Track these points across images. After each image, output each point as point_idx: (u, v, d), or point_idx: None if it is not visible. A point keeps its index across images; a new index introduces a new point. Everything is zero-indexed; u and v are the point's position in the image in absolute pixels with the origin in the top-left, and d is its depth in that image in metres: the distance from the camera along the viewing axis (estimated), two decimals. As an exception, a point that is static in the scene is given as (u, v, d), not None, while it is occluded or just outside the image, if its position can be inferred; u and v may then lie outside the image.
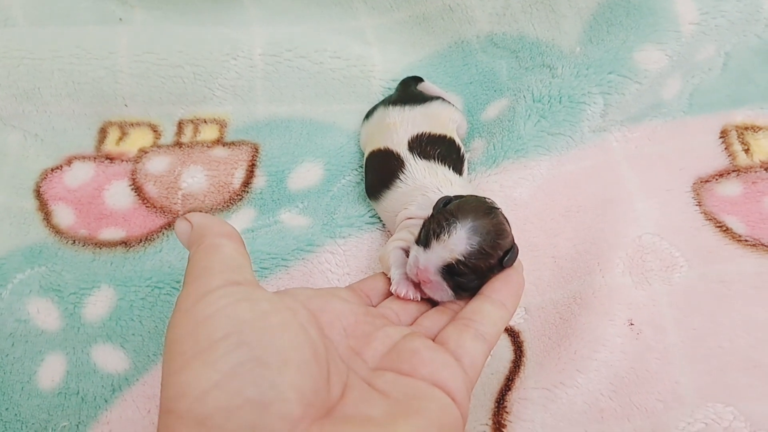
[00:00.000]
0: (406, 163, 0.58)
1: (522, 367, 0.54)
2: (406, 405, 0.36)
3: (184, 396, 0.32)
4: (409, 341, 0.42)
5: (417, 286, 0.49)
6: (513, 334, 0.57)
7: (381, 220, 0.64)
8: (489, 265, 0.47)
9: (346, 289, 0.50)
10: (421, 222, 0.50)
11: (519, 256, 0.52)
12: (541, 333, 0.56)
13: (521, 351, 0.56)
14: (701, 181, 0.64)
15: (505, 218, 0.49)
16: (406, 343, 0.42)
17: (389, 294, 0.50)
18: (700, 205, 0.63)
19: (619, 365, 0.52)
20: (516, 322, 0.57)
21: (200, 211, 0.63)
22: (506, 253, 0.47)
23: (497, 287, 0.48)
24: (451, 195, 0.51)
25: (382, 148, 0.61)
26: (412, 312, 0.49)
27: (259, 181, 0.69)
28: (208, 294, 0.36)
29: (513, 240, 0.49)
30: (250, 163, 0.71)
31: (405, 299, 0.49)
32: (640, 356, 0.53)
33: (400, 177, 0.57)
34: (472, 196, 0.51)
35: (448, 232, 0.46)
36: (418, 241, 0.48)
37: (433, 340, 0.44)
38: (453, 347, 0.42)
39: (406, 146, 0.59)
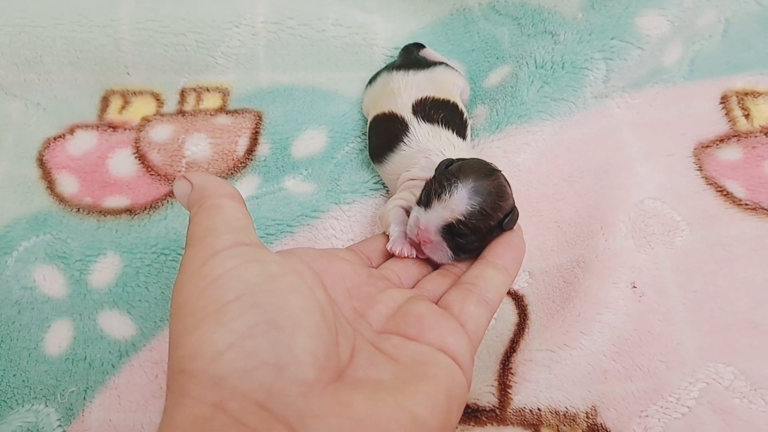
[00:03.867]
0: (410, 126, 0.57)
1: (526, 330, 0.54)
2: (415, 370, 0.35)
3: (198, 356, 0.31)
4: (414, 305, 0.42)
5: (417, 247, 0.48)
6: (517, 297, 0.56)
7: (385, 186, 0.63)
8: (489, 227, 0.46)
9: (346, 250, 0.49)
10: (422, 183, 0.49)
11: (523, 221, 0.51)
12: (545, 297, 0.55)
13: (525, 314, 0.55)
14: (702, 147, 0.63)
15: (507, 181, 0.48)
16: (410, 306, 0.41)
17: (389, 255, 0.49)
18: (701, 170, 0.62)
19: (622, 327, 0.52)
20: (520, 286, 0.57)
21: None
22: (507, 215, 0.47)
23: (499, 252, 0.47)
24: (454, 158, 0.50)
25: (386, 111, 0.60)
26: (413, 274, 0.48)
27: (263, 149, 0.68)
28: (215, 255, 0.35)
29: (514, 203, 0.48)
30: (254, 131, 0.69)
31: (400, 256, 0.48)
32: (642, 318, 0.52)
33: (404, 140, 0.56)
34: (474, 158, 0.50)
35: (449, 192, 0.45)
36: (419, 202, 0.48)
37: (437, 303, 0.43)
38: (457, 312, 0.41)
39: (410, 110, 0.58)
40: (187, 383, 0.30)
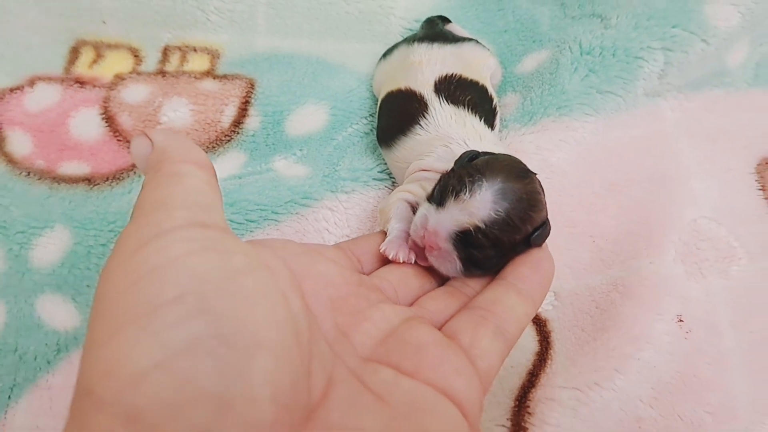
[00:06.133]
0: (429, 106, 0.54)
1: (549, 362, 0.51)
2: (408, 418, 0.31)
3: (113, 375, 0.24)
4: (413, 329, 0.37)
5: (419, 252, 0.44)
6: (539, 322, 0.54)
7: (391, 177, 0.59)
8: (513, 241, 0.42)
9: (334, 248, 0.43)
10: (437, 176, 0.46)
11: (552, 232, 0.46)
12: (573, 323, 0.53)
13: (548, 342, 0.52)
14: (766, 163, 0.61)
15: (542, 187, 0.44)
16: (408, 330, 0.37)
17: (385, 260, 0.45)
18: (764, 190, 0.60)
19: (663, 368, 0.49)
20: (543, 308, 0.54)
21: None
22: (536, 229, 0.43)
23: (525, 274, 0.42)
24: (480, 150, 0.47)
25: (402, 88, 0.57)
26: (413, 288, 0.44)
27: (253, 122, 0.65)
28: (160, 236, 0.28)
29: (547, 215, 0.44)
30: (244, 100, 0.66)
31: (395, 261, 0.44)
32: (688, 359, 0.50)
33: (421, 122, 0.53)
34: (505, 154, 0.47)
35: (471, 190, 0.41)
36: (430, 198, 0.44)
37: (440, 329, 0.39)
38: (467, 345, 0.37)
39: (431, 87, 0.55)
40: (90, 411, 0.24)
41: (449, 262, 0.43)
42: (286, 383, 0.27)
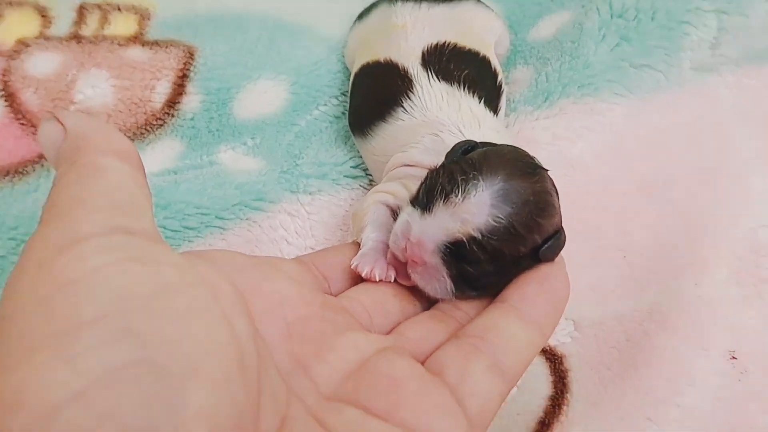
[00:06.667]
0: (415, 84, 0.55)
1: (564, 408, 0.52)
2: None
3: (22, 407, 0.25)
4: (388, 361, 0.38)
5: (400, 268, 0.46)
6: (554, 358, 0.55)
7: (368, 173, 0.61)
8: (516, 255, 0.43)
9: (294, 262, 0.45)
10: (423, 173, 0.47)
11: (570, 244, 0.47)
12: (596, 360, 0.54)
13: (564, 384, 0.53)
14: None
15: (554, 186, 0.45)
16: (381, 362, 0.38)
17: (357, 277, 0.46)
18: None
19: (710, 416, 0.50)
20: (559, 341, 0.55)
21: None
22: (547, 239, 0.43)
23: (530, 294, 0.43)
24: (478, 140, 0.48)
25: (381, 59, 0.57)
26: (391, 312, 0.45)
27: (192, 101, 0.66)
28: (76, 243, 0.29)
29: (560, 222, 0.45)
30: (181, 74, 0.67)
31: (370, 280, 0.45)
32: (741, 406, 0.51)
33: (404, 104, 0.54)
34: (508, 145, 0.47)
35: (464, 191, 0.42)
36: (414, 201, 0.45)
37: (423, 363, 0.40)
38: (454, 380, 0.38)
39: (418, 59, 0.56)
40: None
41: (437, 281, 0.44)
42: (226, 421, 0.28)
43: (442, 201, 0.43)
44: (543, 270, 0.44)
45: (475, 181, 0.42)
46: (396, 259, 0.46)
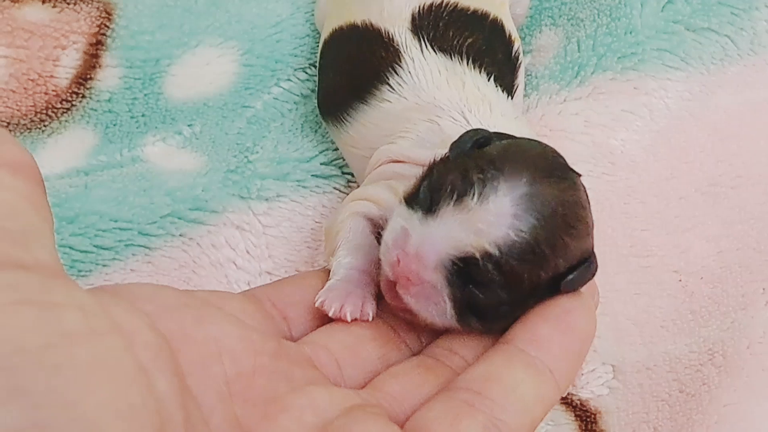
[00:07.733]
0: (403, 55, 0.53)
1: None
2: None
3: None
4: (355, 423, 0.37)
5: (389, 287, 0.43)
6: (585, 415, 0.53)
7: (345, 171, 0.58)
8: (536, 281, 0.41)
9: (242, 297, 0.45)
10: (417, 171, 0.45)
11: (606, 265, 0.46)
12: (640, 417, 0.52)
13: None
14: None
15: (587, 195, 0.44)
16: (347, 426, 0.37)
17: (326, 318, 0.45)
18: None
19: None
20: (593, 393, 0.54)
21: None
22: (574, 267, 0.42)
23: (542, 334, 0.42)
24: (490, 129, 0.46)
25: (359, 23, 0.56)
26: (368, 360, 0.44)
27: (109, 77, 0.63)
28: None
29: (592, 245, 0.44)
30: (94, 41, 0.63)
31: (340, 320, 0.44)
32: None
33: (390, 82, 0.53)
34: (531, 140, 0.47)
35: (482, 195, 0.39)
36: (412, 199, 0.43)
37: (403, 426, 0.39)
38: None
39: (407, 23, 0.54)
40: None
41: (435, 304, 0.42)
42: None
43: (451, 202, 0.40)
44: (560, 302, 0.43)
45: (495, 182, 0.40)
46: (388, 281, 0.44)
